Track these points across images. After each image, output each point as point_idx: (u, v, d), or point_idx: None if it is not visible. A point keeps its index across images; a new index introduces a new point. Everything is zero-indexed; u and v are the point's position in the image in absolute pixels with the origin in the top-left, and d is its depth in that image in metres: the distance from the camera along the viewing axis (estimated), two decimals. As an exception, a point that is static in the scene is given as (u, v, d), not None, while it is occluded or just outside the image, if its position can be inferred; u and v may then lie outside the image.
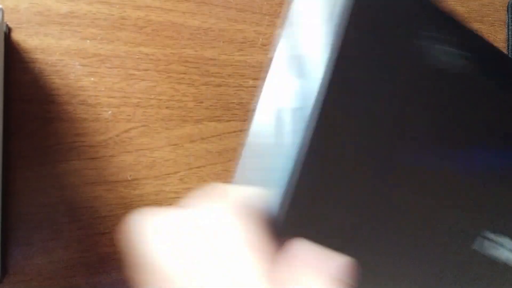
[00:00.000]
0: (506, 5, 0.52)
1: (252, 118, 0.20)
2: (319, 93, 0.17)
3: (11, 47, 0.35)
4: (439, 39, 0.20)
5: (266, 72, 0.20)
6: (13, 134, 0.36)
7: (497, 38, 0.51)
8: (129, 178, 0.38)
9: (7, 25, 0.35)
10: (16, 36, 0.36)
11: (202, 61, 0.39)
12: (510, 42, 0.51)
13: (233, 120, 0.40)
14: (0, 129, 0.34)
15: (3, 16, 0.33)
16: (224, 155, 0.40)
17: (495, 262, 0.23)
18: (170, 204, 0.38)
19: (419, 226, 0.21)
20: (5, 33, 0.35)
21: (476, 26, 0.50)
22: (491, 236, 0.23)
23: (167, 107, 0.38)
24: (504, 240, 0.23)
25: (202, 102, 0.39)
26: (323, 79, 0.17)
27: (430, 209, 0.21)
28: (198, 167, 0.39)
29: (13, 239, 0.35)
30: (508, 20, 0.52)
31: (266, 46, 0.41)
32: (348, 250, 0.18)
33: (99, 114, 0.37)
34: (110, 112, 0.37)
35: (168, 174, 0.38)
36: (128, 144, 0.38)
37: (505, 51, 0.52)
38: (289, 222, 0.18)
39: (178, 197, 0.39)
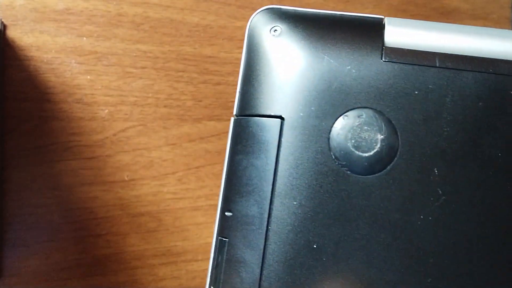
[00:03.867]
0: (511, 2, 0.51)
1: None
2: None
3: (6, 44, 0.35)
4: None
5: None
6: (8, 133, 0.35)
7: (502, 35, 0.51)
8: (126, 179, 0.37)
9: (2, 22, 0.35)
10: (11, 33, 0.35)
11: (201, 59, 0.39)
12: (515, 40, 0.50)
13: (233, 119, 0.40)
14: (-6, 128, 0.33)
15: (-3, 12, 0.32)
16: (223, 155, 0.39)
17: None
18: (168, 205, 0.38)
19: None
20: (0, 30, 0.34)
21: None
22: None
23: (165, 106, 0.38)
24: None
25: (201, 101, 0.39)
26: None
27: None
28: (197, 167, 0.38)
29: (8, 240, 0.35)
30: (513, 17, 0.51)
31: (267, 43, 0.41)
32: None
33: (95, 113, 0.37)
34: (106, 110, 0.37)
35: (166, 174, 0.38)
36: (125, 144, 0.37)
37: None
38: None
39: (176, 198, 0.38)
